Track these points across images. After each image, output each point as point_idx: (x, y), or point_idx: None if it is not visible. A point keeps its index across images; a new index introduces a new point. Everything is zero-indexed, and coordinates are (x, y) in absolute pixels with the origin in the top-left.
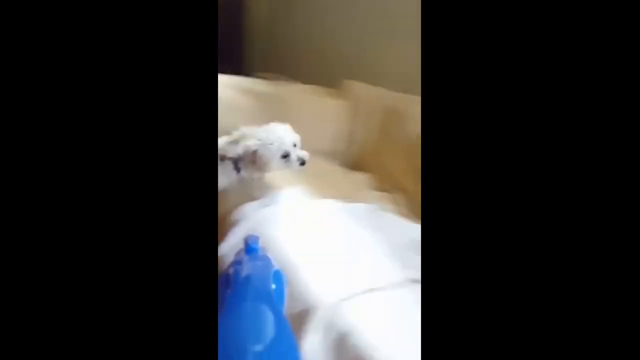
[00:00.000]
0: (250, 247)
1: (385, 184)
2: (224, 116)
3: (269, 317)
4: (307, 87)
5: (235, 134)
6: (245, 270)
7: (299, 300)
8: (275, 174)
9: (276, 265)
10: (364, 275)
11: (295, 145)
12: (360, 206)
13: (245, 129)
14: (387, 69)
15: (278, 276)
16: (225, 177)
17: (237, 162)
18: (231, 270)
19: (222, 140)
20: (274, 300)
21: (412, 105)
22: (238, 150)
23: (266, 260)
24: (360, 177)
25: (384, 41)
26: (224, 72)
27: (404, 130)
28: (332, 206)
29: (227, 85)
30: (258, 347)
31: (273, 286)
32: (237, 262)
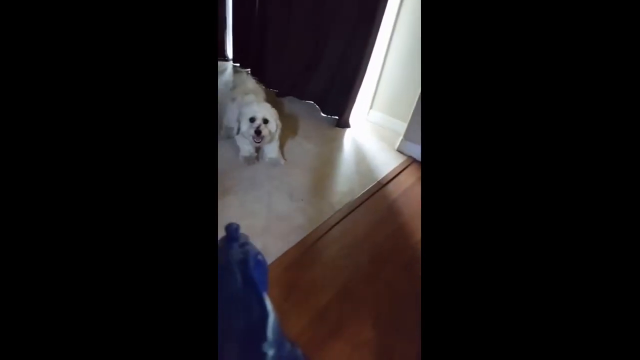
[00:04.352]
0: (231, 235)
1: None
2: None
3: (253, 301)
4: None
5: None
6: (228, 256)
7: None
8: None
9: (257, 252)
10: None
11: (266, 121)
12: None
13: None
14: None
15: (259, 262)
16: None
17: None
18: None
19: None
20: (257, 284)
21: None
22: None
23: (248, 247)
24: None
25: None
26: None
27: None
28: None
29: None
30: (244, 329)
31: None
32: (219, 250)
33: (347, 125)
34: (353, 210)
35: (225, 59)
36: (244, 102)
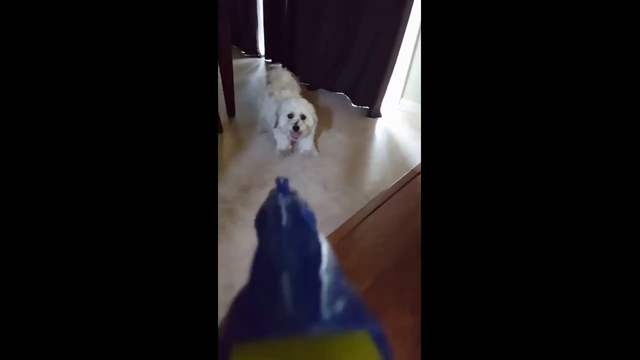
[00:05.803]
0: (282, 186)
1: None
2: None
3: (307, 236)
4: None
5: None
6: (277, 202)
7: None
8: None
9: (305, 202)
10: None
11: (304, 117)
12: None
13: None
14: None
15: (308, 212)
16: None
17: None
18: (266, 206)
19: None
20: (309, 222)
21: None
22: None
23: (297, 197)
24: None
25: None
26: None
27: None
28: None
29: None
30: (298, 260)
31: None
32: (268, 199)
33: (378, 115)
34: (387, 199)
35: (258, 55)
36: (282, 98)
